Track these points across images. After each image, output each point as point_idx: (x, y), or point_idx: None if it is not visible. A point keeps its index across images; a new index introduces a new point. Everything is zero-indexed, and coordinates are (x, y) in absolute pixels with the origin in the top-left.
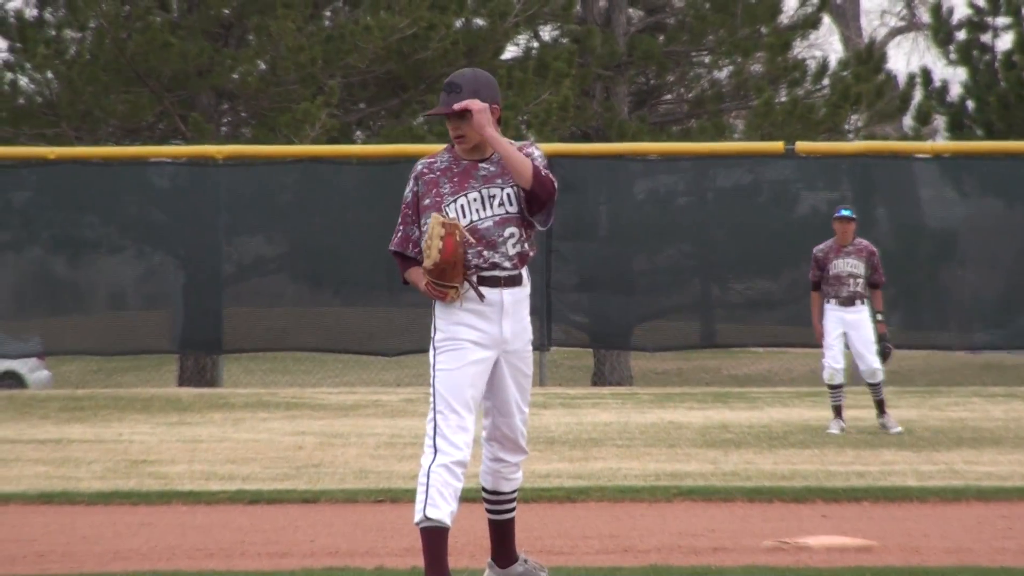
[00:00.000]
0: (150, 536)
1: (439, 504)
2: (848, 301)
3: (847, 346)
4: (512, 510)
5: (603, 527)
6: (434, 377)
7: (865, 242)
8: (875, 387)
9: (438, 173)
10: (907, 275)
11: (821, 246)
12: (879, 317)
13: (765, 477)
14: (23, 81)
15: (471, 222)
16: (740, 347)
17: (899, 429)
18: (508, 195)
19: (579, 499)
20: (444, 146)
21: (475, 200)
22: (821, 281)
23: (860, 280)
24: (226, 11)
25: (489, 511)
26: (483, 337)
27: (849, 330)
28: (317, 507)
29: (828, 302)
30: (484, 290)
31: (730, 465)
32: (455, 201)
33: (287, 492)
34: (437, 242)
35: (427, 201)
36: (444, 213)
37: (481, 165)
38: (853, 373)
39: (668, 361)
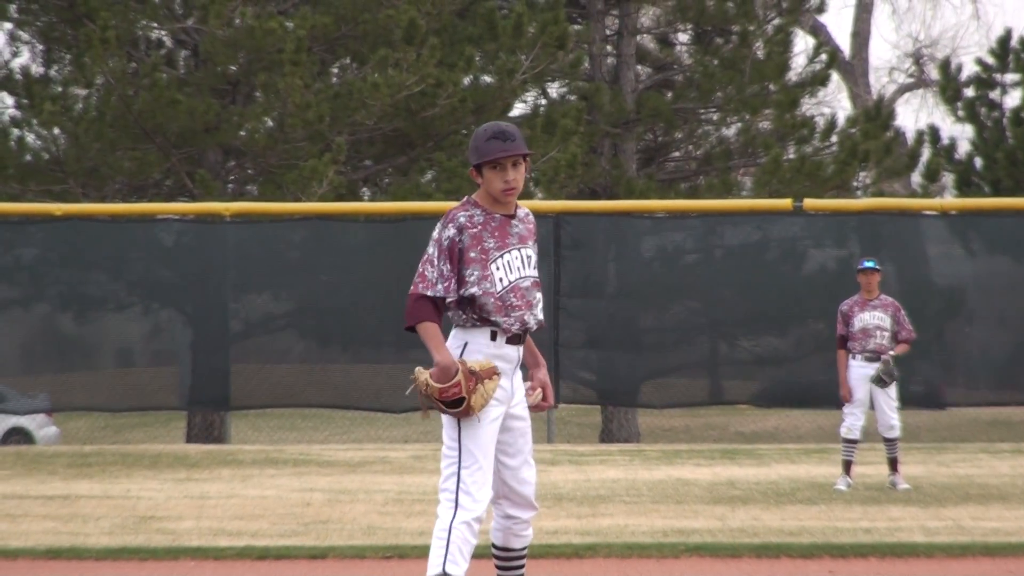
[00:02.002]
0: None
1: (459, 561)
2: (874, 356)
3: (871, 403)
4: (522, 567)
5: None
6: (460, 432)
7: (890, 298)
8: (891, 443)
9: (479, 227)
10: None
11: (847, 301)
12: (893, 352)
13: (772, 533)
14: (30, 138)
15: (514, 280)
16: (747, 404)
17: (906, 486)
18: (535, 259)
19: (587, 555)
20: (461, 201)
21: (516, 258)
22: (848, 337)
23: (887, 333)
24: (233, 68)
25: (499, 567)
26: (502, 394)
27: (874, 386)
28: (325, 563)
29: (854, 358)
30: (508, 348)
31: (737, 521)
32: (501, 257)
33: (295, 548)
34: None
35: (472, 254)
36: (490, 270)
37: (512, 222)
38: (866, 430)
39: (676, 418)
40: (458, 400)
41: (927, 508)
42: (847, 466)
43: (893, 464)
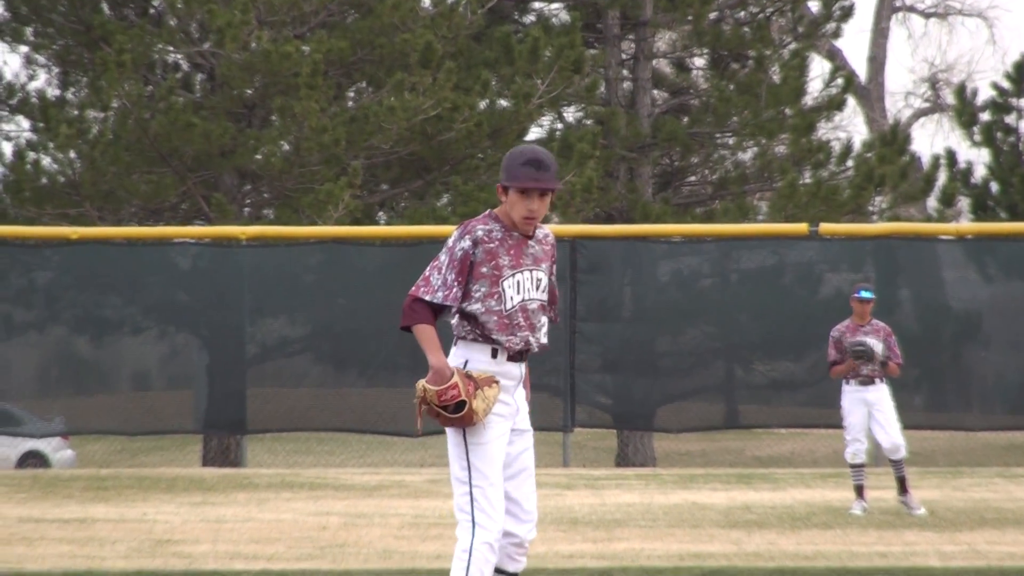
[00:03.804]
0: None
1: None
2: (868, 380)
3: (870, 426)
4: None
5: None
6: (467, 451)
7: (882, 323)
8: (897, 463)
9: (496, 243)
10: (930, 356)
11: (839, 326)
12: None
13: (788, 558)
14: (46, 161)
15: (522, 300)
16: (763, 428)
17: (922, 511)
18: (546, 284)
19: None
20: (482, 214)
21: (527, 279)
22: (839, 362)
23: (879, 357)
24: (249, 91)
25: None
26: (506, 410)
27: (871, 408)
28: None
29: (848, 383)
30: (510, 365)
31: (753, 546)
32: (513, 276)
33: (311, 572)
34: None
35: (484, 269)
36: (502, 287)
37: (529, 242)
38: (876, 454)
39: (691, 442)
40: (459, 404)
41: (942, 532)
42: (859, 490)
43: (902, 483)
